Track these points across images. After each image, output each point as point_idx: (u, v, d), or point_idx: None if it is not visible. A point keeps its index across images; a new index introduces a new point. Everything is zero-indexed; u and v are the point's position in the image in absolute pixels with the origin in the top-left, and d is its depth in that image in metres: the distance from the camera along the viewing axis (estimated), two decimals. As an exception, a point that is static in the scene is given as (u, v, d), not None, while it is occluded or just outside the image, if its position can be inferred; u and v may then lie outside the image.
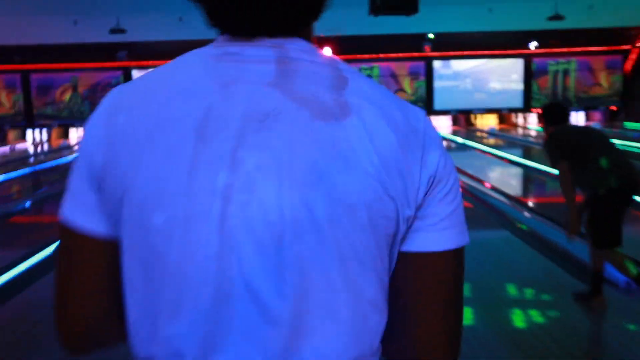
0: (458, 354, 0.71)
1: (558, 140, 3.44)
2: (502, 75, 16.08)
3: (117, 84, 14.33)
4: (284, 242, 0.61)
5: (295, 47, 0.67)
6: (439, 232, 0.68)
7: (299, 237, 0.61)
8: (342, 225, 0.62)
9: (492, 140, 13.84)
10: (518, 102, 16.21)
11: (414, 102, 15.63)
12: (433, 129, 0.70)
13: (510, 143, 13.09)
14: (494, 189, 7.21)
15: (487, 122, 16.74)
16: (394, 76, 15.66)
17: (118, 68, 14.98)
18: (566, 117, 3.59)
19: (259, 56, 0.66)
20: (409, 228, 0.67)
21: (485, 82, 16.05)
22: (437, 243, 0.68)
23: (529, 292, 3.78)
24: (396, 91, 15.56)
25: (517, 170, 9.31)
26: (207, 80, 0.65)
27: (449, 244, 0.68)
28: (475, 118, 16.73)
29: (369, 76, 13.82)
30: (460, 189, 0.71)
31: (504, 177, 9.01)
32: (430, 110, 15.82)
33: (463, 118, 16.63)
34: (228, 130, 0.62)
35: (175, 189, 0.62)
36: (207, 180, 0.61)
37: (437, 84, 15.83)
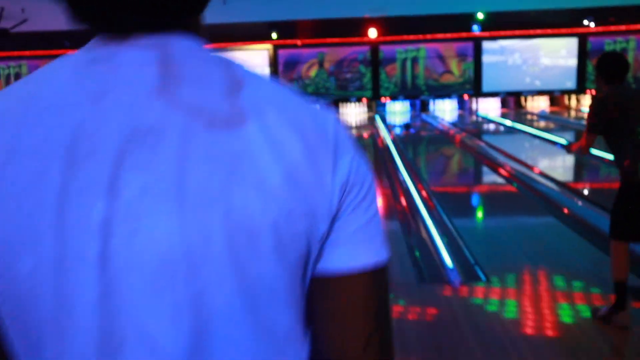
0: None
1: (605, 108, 2.96)
2: (553, 51, 15.49)
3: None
4: (178, 277, 0.53)
5: (181, 45, 0.57)
6: (353, 246, 0.60)
7: (195, 269, 0.53)
8: (244, 253, 0.54)
9: (542, 124, 13.44)
10: (571, 84, 15.66)
11: (462, 85, 15.33)
12: (344, 131, 0.63)
13: (562, 126, 12.68)
14: (542, 174, 6.99)
15: (538, 104, 16.27)
16: (441, 58, 15.35)
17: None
18: (624, 73, 3.03)
19: (136, 59, 0.56)
20: (323, 244, 0.59)
21: (535, 58, 15.51)
22: (352, 258, 0.60)
23: (577, 284, 3.64)
24: (443, 73, 15.26)
25: (569, 155, 9.00)
26: (75, 92, 0.55)
27: (364, 259, 0.60)
28: (526, 100, 16.27)
29: (415, 58, 13.47)
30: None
31: (554, 162, 8.74)
32: (479, 92, 15.47)
33: (512, 100, 16.20)
34: (103, 152, 0.53)
35: (43, 228, 0.52)
36: (81, 214, 0.52)
37: (485, 59, 15.39)
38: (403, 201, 6.02)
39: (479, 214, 5.76)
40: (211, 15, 0.67)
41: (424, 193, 6.24)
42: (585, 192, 6.31)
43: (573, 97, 16.27)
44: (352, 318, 0.60)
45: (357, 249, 0.60)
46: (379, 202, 6.24)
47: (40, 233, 0.52)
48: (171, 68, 0.56)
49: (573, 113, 15.24)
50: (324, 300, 0.60)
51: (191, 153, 0.53)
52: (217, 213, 0.53)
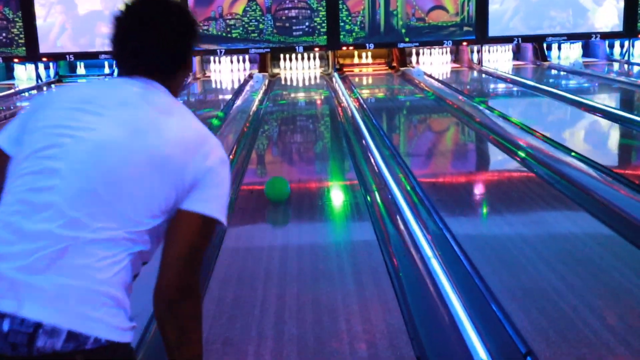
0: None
1: None
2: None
3: None
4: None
5: (154, 87, 2.02)
6: (199, 202, 1.89)
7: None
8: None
9: (575, 82, 13.63)
10: (616, 24, 15.88)
11: (459, 26, 15.39)
12: (219, 150, 1.97)
13: (603, 86, 12.88)
14: (579, 156, 7.04)
15: (569, 54, 16.50)
16: (428, -13, 15.35)
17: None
18: None
19: (134, 85, 2.01)
20: (186, 192, 1.89)
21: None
22: (194, 206, 1.89)
23: (623, 316, 3.64)
24: (432, 9, 15.27)
25: (615, 129, 9.12)
26: (99, 86, 2.18)
27: (200, 209, 1.89)
28: (550, 48, 16.47)
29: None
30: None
31: (593, 139, 8.83)
32: (484, 38, 15.54)
33: (532, 48, 16.37)
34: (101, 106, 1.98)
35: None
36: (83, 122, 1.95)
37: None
38: (377, 199, 5.95)
39: (483, 218, 5.75)
40: None
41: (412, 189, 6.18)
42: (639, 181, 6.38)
43: (617, 43, 16.54)
44: (176, 239, 1.88)
45: (197, 203, 1.89)
46: (340, 197, 6.24)
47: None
48: (146, 91, 1.99)
49: (618, 66, 15.50)
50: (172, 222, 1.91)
51: (143, 114, 1.94)
52: (139, 139, 1.88)
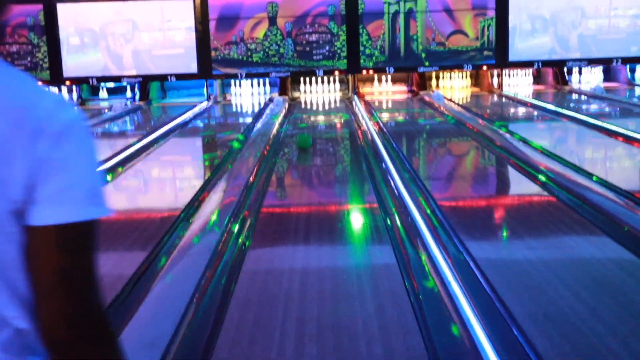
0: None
1: None
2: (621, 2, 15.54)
3: (34, 24, 14.33)
4: None
5: None
6: (42, 207, 1.23)
7: None
8: None
9: (596, 106, 13.57)
10: (638, 49, 15.82)
11: (479, 51, 15.41)
12: (59, 114, 1.24)
13: (625, 111, 12.80)
14: (601, 180, 7.00)
15: (590, 78, 16.44)
16: (449, 11, 15.39)
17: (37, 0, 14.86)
18: None
19: None
20: (22, 204, 1.22)
21: (586, 12, 15.59)
22: (39, 217, 1.23)
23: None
24: (452, 34, 15.30)
25: (636, 153, 9.06)
26: None
27: (51, 219, 1.23)
28: (571, 72, 16.42)
29: (410, 12, 13.35)
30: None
31: (614, 163, 8.77)
32: (504, 62, 15.54)
33: (552, 73, 16.33)
34: None
35: None
36: None
37: (514, 12, 15.38)
38: (397, 222, 5.93)
39: (503, 242, 5.71)
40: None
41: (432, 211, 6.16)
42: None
43: (638, 67, 16.45)
44: (38, 268, 1.25)
45: (45, 210, 1.23)
46: (360, 220, 6.22)
47: None
48: None
49: (639, 90, 15.41)
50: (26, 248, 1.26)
51: None
52: None
